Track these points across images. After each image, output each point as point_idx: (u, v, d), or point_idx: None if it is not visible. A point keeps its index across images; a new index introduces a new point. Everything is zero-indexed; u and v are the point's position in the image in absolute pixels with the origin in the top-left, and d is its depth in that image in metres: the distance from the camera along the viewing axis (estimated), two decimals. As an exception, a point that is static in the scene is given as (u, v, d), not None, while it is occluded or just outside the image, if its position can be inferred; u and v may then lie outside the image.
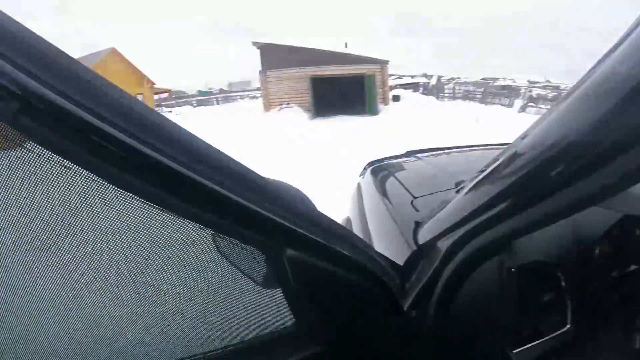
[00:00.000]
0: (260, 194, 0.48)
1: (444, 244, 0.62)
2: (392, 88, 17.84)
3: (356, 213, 1.39)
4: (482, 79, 24.48)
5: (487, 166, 0.60)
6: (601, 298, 0.78)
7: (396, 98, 16.49)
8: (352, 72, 14.28)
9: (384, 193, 1.27)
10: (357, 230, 1.26)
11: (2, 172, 0.39)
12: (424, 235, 0.71)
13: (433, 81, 22.98)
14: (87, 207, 0.43)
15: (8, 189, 0.41)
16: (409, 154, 1.62)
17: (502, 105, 17.01)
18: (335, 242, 0.55)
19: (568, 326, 0.73)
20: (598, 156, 0.40)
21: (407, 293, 0.62)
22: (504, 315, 0.67)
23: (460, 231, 0.60)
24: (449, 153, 1.60)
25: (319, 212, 0.57)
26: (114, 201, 0.42)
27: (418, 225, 0.77)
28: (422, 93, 20.56)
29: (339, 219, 1.57)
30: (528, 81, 22.74)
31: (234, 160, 0.48)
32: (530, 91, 17.43)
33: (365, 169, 1.58)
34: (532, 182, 0.49)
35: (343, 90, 14.07)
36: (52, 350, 0.54)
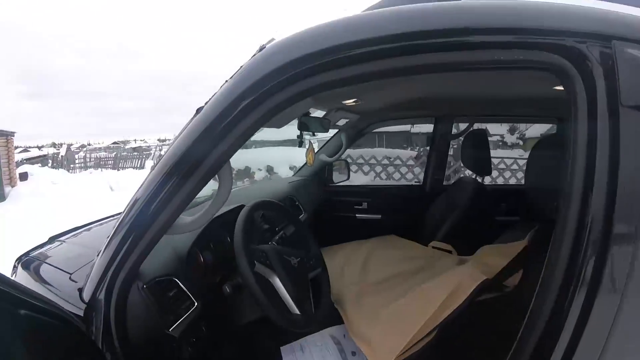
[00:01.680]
0: None
1: (101, 295, 0.87)
2: (18, 164, 15.06)
3: None
4: (114, 143, 24.35)
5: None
6: (209, 283, 1.29)
7: (23, 176, 14.05)
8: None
9: (42, 280, 1.35)
10: None
11: None
12: (87, 295, 0.91)
13: (62, 151, 21.44)
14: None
15: None
16: (52, 239, 1.69)
17: (134, 168, 17.61)
18: (18, 292, 0.76)
19: (196, 304, 1.12)
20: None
21: (96, 338, 0.87)
22: (156, 315, 0.99)
23: (107, 278, 0.86)
24: (89, 229, 1.77)
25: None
26: None
27: (81, 290, 0.96)
28: (52, 167, 18.53)
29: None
30: (158, 140, 24.12)
31: None
32: (160, 149, 17.94)
33: (15, 266, 1.58)
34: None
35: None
36: None
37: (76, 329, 0.89)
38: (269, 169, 8.98)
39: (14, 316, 0.72)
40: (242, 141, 0.77)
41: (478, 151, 2.09)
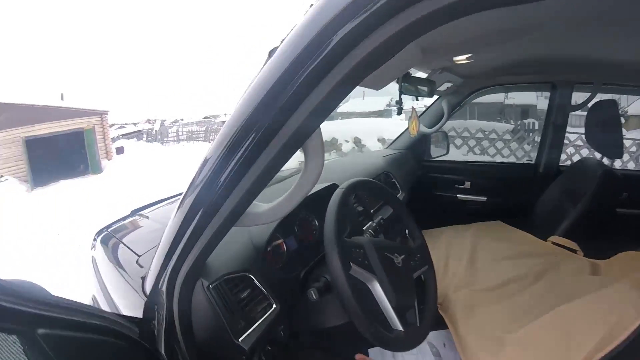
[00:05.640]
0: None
1: (163, 287, 0.75)
2: (114, 139, 16.31)
3: (98, 288, 1.33)
4: (205, 117, 25.32)
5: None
6: (286, 279, 1.07)
7: (120, 150, 15.04)
8: (70, 128, 12.70)
9: (115, 260, 1.28)
10: (102, 304, 1.24)
11: None
12: (148, 286, 0.81)
13: (156, 126, 22.14)
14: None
15: None
16: (133, 212, 1.63)
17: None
18: (75, 314, 0.64)
19: (274, 306, 0.95)
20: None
21: (157, 336, 0.75)
22: (223, 321, 0.82)
23: (168, 271, 0.73)
24: (172, 202, 1.62)
25: (54, 296, 0.65)
26: None
27: (144, 279, 0.89)
28: (147, 141, 19.49)
29: (87, 299, 1.52)
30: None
31: None
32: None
33: (94, 239, 1.51)
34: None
35: (62, 149, 12.53)
36: None
37: (131, 342, 0.76)
38: (357, 141, 8.55)
39: (63, 340, 0.61)
40: (346, 88, 0.49)
41: (606, 127, 1.70)
